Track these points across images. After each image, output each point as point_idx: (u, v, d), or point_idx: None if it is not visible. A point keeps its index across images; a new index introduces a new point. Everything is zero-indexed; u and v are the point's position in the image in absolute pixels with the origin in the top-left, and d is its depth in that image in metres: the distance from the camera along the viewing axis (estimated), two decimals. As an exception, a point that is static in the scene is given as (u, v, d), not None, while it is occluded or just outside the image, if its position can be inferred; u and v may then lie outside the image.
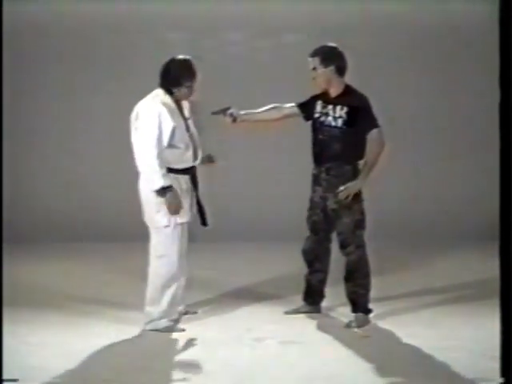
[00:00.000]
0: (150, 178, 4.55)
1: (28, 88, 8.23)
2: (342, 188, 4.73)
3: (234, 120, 4.93)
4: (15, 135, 7.94)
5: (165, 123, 4.57)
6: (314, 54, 4.82)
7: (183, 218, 4.67)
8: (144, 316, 4.72)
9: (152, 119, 4.56)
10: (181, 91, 4.68)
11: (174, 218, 4.61)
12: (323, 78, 4.81)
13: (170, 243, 4.65)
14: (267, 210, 8.30)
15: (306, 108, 4.96)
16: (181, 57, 4.73)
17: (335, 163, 4.81)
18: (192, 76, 4.68)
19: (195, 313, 5.09)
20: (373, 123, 4.76)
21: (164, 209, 4.58)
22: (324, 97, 4.89)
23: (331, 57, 4.80)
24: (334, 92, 4.85)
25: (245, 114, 4.99)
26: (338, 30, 7.75)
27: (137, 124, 4.63)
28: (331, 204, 4.83)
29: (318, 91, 4.93)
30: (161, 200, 4.57)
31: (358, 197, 4.78)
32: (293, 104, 5.03)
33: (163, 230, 4.64)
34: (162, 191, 4.54)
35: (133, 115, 4.69)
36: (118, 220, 7.99)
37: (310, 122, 4.96)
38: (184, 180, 4.69)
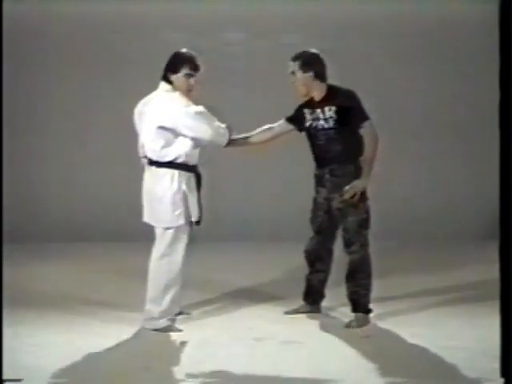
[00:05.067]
0: (223, 138, 4.68)
1: (28, 88, 8.23)
2: (347, 187, 4.71)
3: (227, 144, 4.83)
4: (15, 135, 7.94)
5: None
6: (295, 58, 4.83)
7: (194, 216, 4.67)
8: (143, 314, 4.73)
9: (196, 107, 4.58)
10: (179, 79, 4.66)
11: (189, 216, 4.62)
12: (301, 83, 4.81)
13: (177, 243, 4.65)
14: (267, 210, 8.30)
15: (296, 119, 4.96)
16: (185, 49, 4.75)
17: (338, 164, 4.80)
18: (191, 64, 4.67)
19: (188, 314, 5.07)
20: (363, 116, 4.75)
21: (181, 207, 4.59)
22: (310, 103, 4.88)
23: (311, 62, 4.80)
24: (317, 96, 4.84)
25: (236, 140, 4.94)
26: (338, 30, 7.76)
27: (181, 122, 4.54)
28: (336, 204, 4.82)
29: (296, 96, 4.90)
30: (178, 198, 4.58)
31: (363, 195, 4.77)
32: (282, 120, 5.02)
33: (172, 229, 4.63)
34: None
35: (158, 115, 4.56)
36: (118, 220, 8.00)
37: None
38: (192, 178, 4.69)
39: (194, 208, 4.65)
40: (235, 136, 4.90)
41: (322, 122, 4.80)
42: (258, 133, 5.05)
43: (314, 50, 4.87)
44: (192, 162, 4.67)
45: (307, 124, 4.88)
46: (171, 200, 4.59)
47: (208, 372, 3.92)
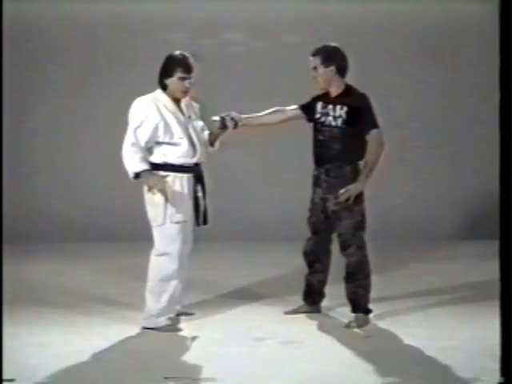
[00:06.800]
0: (127, 167, 4.58)
1: (29, 88, 8.23)
2: (342, 190, 4.71)
3: (236, 125, 4.86)
4: (15, 135, 7.94)
5: (150, 118, 4.59)
6: (316, 53, 4.82)
7: (178, 217, 4.66)
8: (144, 313, 4.73)
9: (136, 113, 4.60)
10: (173, 83, 4.65)
11: (169, 216, 4.62)
12: (323, 78, 4.81)
13: (170, 241, 4.66)
14: (267, 210, 8.29)
15: (308, 109, 4.94)
16: (177, 52, 4.74)
17: (335, 164, 4.79)
18: (185, 68, 4.65)
19: (192, 314, 5.08)
20: (372, 123, 4.75)
21: (162, 206, 4.60)
22: (324, 97, 4.88)
23: (332, 57, 4.79)
24: (334, 92, 4.84)
25: (246, 119, 4.95)
26: (338, 30, 7.75)
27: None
28: (331, 206, 4.82)
29: (317, 91, 4.92)
30: (156, 198, 4.59)
31: (358, 198, 4.77)
32: (295, 106, 5.01)
33: (162, 227, 4.65)
34: (144, 174, 4.55)
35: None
36: (118, 220, 7.99)
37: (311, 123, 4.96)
38: (185, 179, 4.69)
39: (182, 208, 4.65)
40: (244, 115, 4.88)
41: (330, 119, 4.80)
42: (268, 113, 5.01)
43: (334, 44, 4.86)
44: (179, 162, 4.66)
45: (316, 116, 4.87)
46: (148, 199, 4.64)
47: (208, 372, 3.92)
